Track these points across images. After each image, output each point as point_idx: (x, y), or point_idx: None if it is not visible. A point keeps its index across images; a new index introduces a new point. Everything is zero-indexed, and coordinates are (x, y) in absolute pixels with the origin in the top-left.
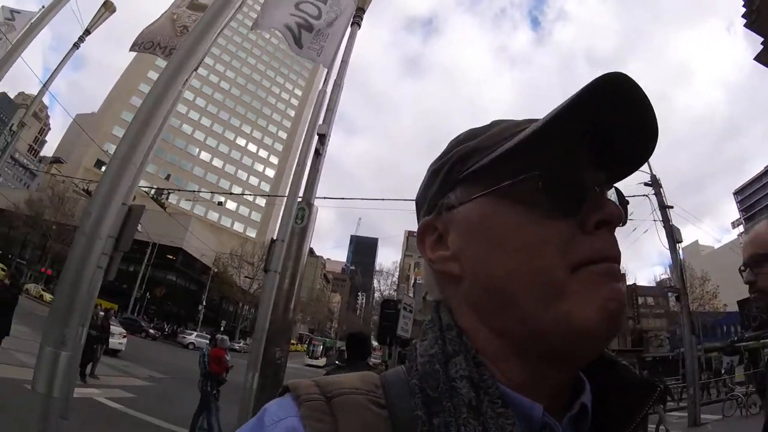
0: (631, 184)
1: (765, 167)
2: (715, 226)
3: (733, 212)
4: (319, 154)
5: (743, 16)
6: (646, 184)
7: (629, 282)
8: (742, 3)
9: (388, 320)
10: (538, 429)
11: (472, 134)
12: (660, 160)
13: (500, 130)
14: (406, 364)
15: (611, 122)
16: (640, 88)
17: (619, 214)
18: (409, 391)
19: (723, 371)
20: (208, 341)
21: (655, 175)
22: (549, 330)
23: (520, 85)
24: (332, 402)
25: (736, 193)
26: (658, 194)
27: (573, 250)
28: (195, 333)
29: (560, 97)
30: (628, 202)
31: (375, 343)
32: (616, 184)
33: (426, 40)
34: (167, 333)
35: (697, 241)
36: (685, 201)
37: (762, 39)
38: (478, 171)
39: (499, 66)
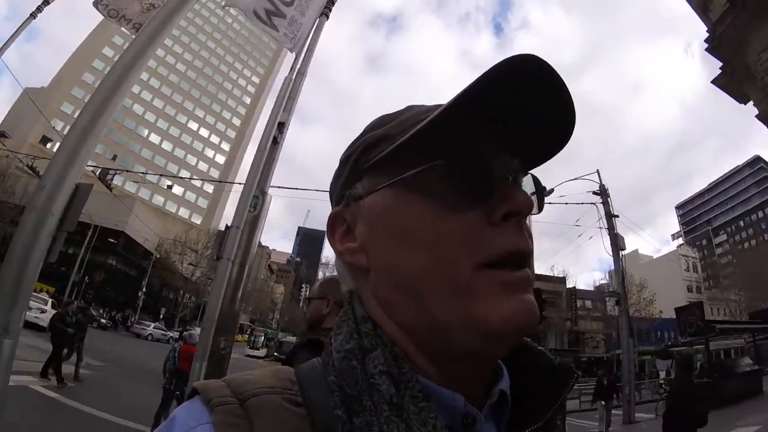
0: (580, 192)
1: (708, 185)
2: (655, 237)
3: (674, 225)
4: (276, 142)
5: (705, 40)
6: (594, 193)
7: (570, 285)
8: (706, 29)
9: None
10: (460, 419)
11: (382, 121)
12: (610, 171)
13: (410, 115)
14: (323, 358)
15: (522, 106)
16: (553, 70)
17: (528, 203)
18: (327, 388)
19: (662, 373)
20: (177, 337)
21: (603, 185)
22: (452, 329)
23: None
24: (246, 404)
25: (678, 207)
26: (605, 203)
27: (479, 246)
28: (153, 324)
29: None
30: (545, 189)
31: None
32: (534, 171)
33: (389, 37)
34: (118, 322)
35: (637, 249)
36: (630, 210)
37: (721, 64)
38: (382, 160)
39: (461, 69)
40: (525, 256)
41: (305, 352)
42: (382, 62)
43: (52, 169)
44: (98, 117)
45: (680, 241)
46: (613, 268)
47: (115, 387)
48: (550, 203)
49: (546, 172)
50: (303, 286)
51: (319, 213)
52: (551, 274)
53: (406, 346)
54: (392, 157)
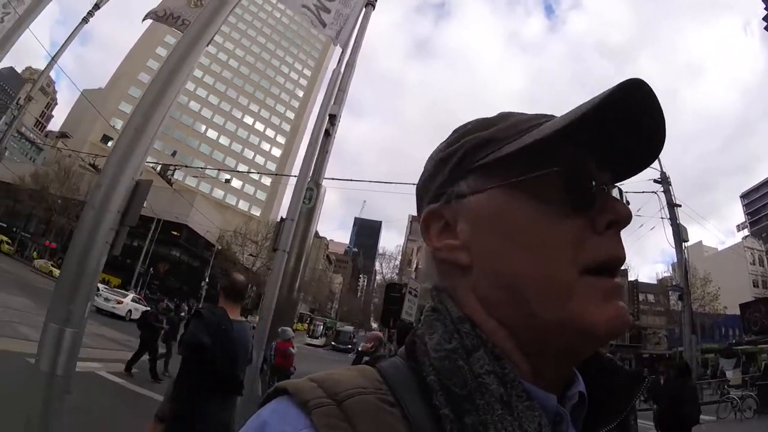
0: (640, 181)
1: None
2: (720, 228)
3: (739, 215)
4: (329, 134)
5: (764, 18)
6: (655, 181)
7: (631, 278)
8: (764, 6)
9: (392, 303)
10: (551, 419)
11: (482, 124)
12: (669, 157)
13: (515, 122)
14: (401, 357)
15: (625, 126)
16: (656, 98)
17: (628, 214)
18: (419, 387)
19: (729, 373)
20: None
21: (664, 173)
22: (554, 328)
23: (530, 72)
24: (343, 405)
25: (743, 196)
26: (667, 192)
27: (585, 252)
28: None
29: (569, 87)
30: (628, 203)
31: (374, 325)
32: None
33: (437, 23)
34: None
35: (701, 241)
36: (693, 200)
37: None
38: (494, 162)
39: (510, 52)
40: (622, 263)
41: None
42: (430, 49)
43: (108, 169)
44: (150, 117)
45: (746, 232)
46: (675, 260)
47: None
48: None
49: None
50: (360, 276)
51: (375, 203)
52: None
53: (505, 345)
54: (505, 160)
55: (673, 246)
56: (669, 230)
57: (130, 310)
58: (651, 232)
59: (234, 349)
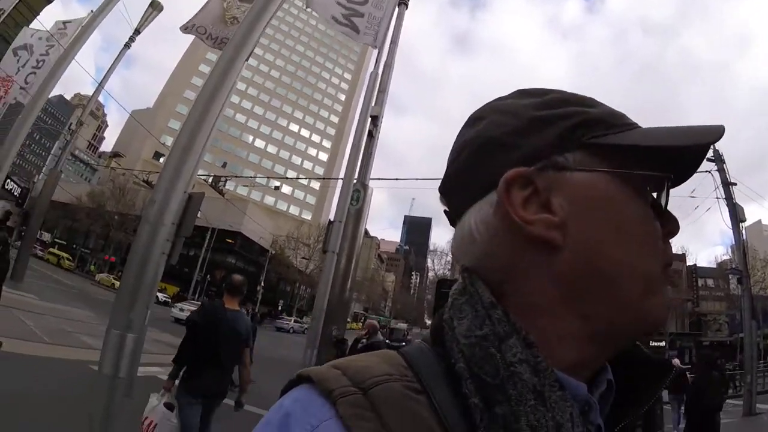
0: None
1: None
2: None
3: None
4: (372, 136)
5: None
6: (708, 160)
7: (689, 262)
8: None
9: (443, 299)
10: (582, 408)
11: (579, 100)
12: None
13: (612, 111)
14: (425, 341)
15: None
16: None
17: (679, 228)
18: (445, 374)
19: None
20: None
21: (718, 150)
22: (637, 319)
23: (573, 57)
24: (369, 393)
25: None
26: (721, 170)
27: (663, 254)
28: (293, 318)
29: (613, 69)
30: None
31: (428, 322)
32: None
33: (473, 15)
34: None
35: (760, 220)
36: (749, 177)
37: None
38: (611, 146)
39: (550, 39)
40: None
41: None
42: (468, 42)
43: (161, 185)
44: (196, 134)
45: None
46: (733, 242)
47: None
48: None
49: None
50: (413, 273)
51: (423, 199)
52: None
53: (564, 333)
54: (623, 149)
55: (730, 227)
56: (725, 211)
57: None
58: (707, 214)
59: (221, 330)
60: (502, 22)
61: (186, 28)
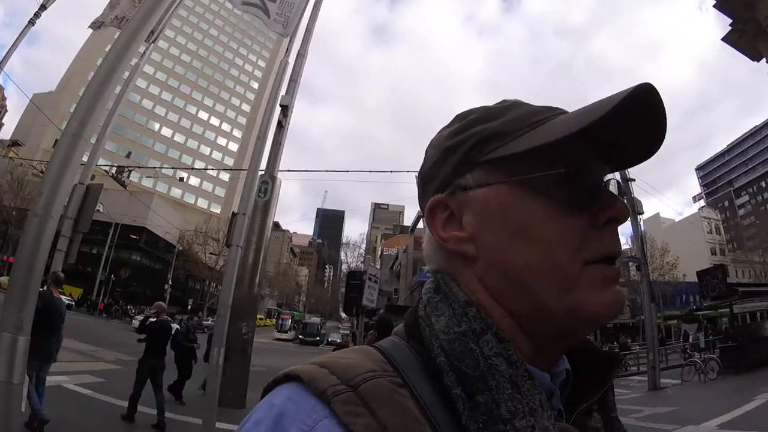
0: None
1: (727, 145)
2: (678, 200)
3: (695, 187)
4: (281, 126)
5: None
6: None
7: None
8: None
9: (353, 291)
10: (546, 395)
11: (489, 114)
12: None
13: (520, 115)
14: (399, 336)
15: (631, 127)
16: (662, 101)
17: (626, 212)
18: (423, 368)
19: (691, 338)
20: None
21: None
22: (560, 316)
23: (489, 55)
24: (359, 390)
25: (699, 168)
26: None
27: (587, 246)
28: (211, 319)
29: (527, 69)
30: (624, 194)
31: (343, 315)
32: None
33: (393, 6)
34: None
35: (658, 213)
36: (651, 173)
37: (730, 21)
38: (501, 158)
39: (468, 35)
40: (619, 256)
41: None
42: (388, 34)
43: (48, 175)
44: (86, 121)
45: (702, 203)
46: (632, 232)
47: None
48: None
49: None
50: (326, 266)
51: (337, 192)
52: None
53: (508, 329)
54: (513, 157)
55: (629, 219)
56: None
57: None
58: None
59: (48, 311)
60: (422, 15)
61: (93, 24)
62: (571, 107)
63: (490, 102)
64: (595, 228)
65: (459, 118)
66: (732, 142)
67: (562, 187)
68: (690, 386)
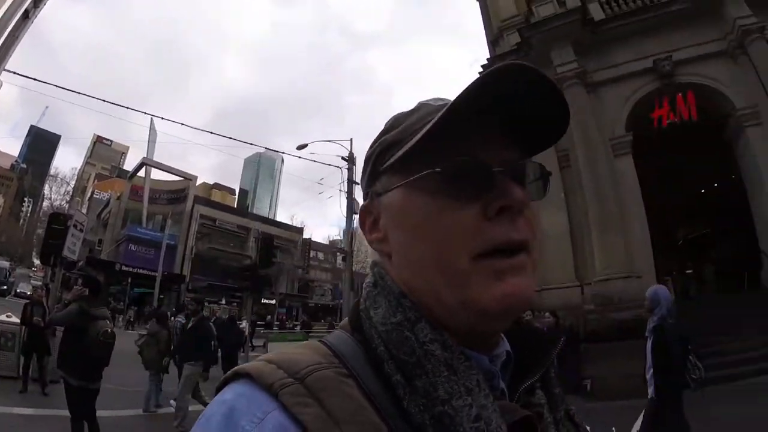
0: (333, 154)
1: None
2: None
3: None
4: (28, 17)
5: (483, 66)
6: (343, 158)
7: (306, 235)
8: (488, 56)
9: (54, 237)
10: (485, 376)
11: (394, 123)
12: (364, 142)
13: (417, 119)
14: (344, 329)
15: (516, 106)
16: (536, 70)
17: (519, 198)
18: (367, 358)
19: None
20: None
21: (352, 153)
22: (457, 311)
23: (277, 24)
24: (306, 382)
25: None
26: (350, 170)
27: (476, 239)
28: None
29: (306, 54)
30: (550, 173)
31: (36, 262)
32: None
33: None
34: None
35: None
36: None
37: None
38: (393, 164)
39: None
40: (519, 246)
41: None
42: None
43: None
44: None
45: None
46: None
47: None
48: (301, 157)
49: (306, 129)
50: (26, 199)
51: (58, 112)
52: (290, 223)
53: (439, 319)
54: (401, 162)
55: (345, 215)
56: (344, 202)
57: None
58: (330, 200)
59: None
60: None
61: None
62: (327, 103)
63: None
64: (488, 219)
65: (383, 131)
66: None
67: (445, 182)
68: None
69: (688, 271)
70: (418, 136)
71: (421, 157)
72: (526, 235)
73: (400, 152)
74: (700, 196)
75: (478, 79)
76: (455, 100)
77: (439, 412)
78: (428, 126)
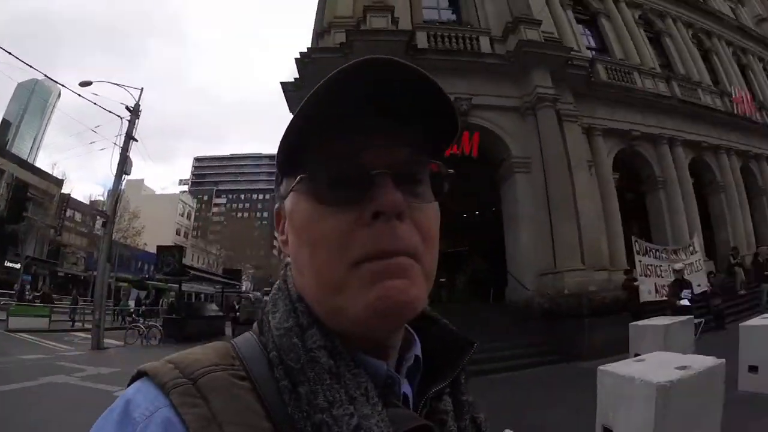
0: (116, 101)
1: (231, 154)
2: (167, 175)
3: (187, 172)
4: None
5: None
6: (127, 108)
7: (66, 190)
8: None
9: None
10: (383, 382)
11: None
12: (158, 94)
13: (294, 127)
14: (254, 332)
15: (390, 102)
16: (406, 64)
17: (393, 204)
18: (268, 363)
19: (132, 303)
20: None
21: (139, 104)
22: (334, 318)
23: None
24: (198, 383)
25: (197, 159)
26: (132, 123)
27: (350, 246)
28: None
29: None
30: (448, 173)
31: None
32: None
33: None
34: None
35: (143, 179)
36: (157, 140)
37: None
38: (285, 169)
39: None
40: (393, 254)
41: None
42: None
43: None
44: None
45: (186, 188)
46: (112, 188)
47: None
48: (81, 96)
49: (97, 65)
50: None
51: None
52: (50, 173)
53: (332, 324)
54: (289, 166)
55: (114, 174)
56: (117, 158)
57: None
58: (101, 153)
59: None
60: None
61: None
62: (133, 37)
63: None
64: (364, 225)
65: None
66: (235, 154)
67: (322, 187)
68: (132, 348)
69: (441, 279)
70: (281, 142)
71: (306, 162)
72: (405, 243)
73: (282, 156)
74: (463, 219)
75: (333, 73)
76: (307, 98)
77: (319, 420)
78: (284, 132)
